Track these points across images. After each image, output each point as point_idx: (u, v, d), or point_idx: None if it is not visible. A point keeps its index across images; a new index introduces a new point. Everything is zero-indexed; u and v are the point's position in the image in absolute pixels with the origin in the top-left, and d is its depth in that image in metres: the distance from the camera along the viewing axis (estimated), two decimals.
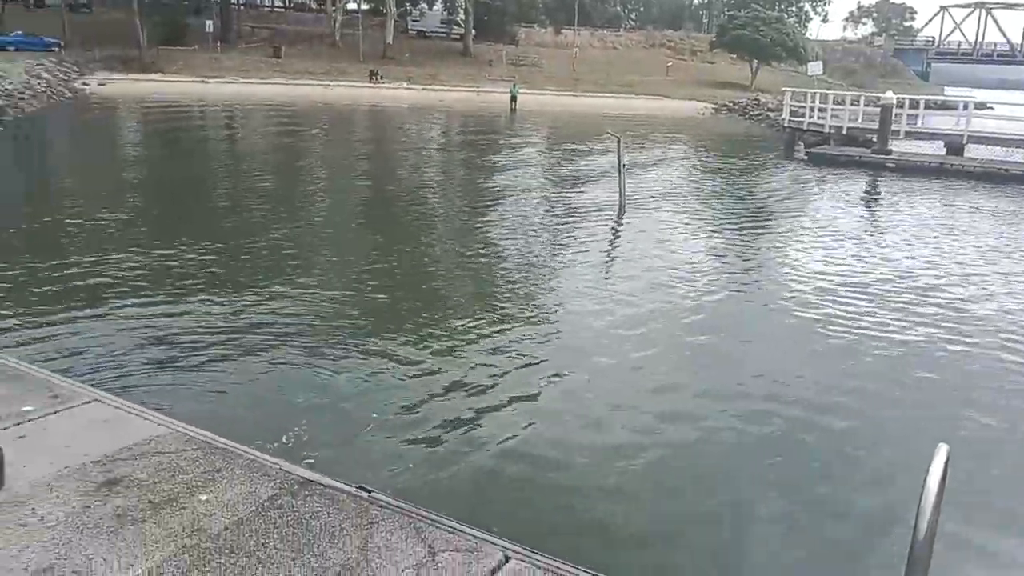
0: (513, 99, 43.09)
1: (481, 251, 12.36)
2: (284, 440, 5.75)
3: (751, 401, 7.09)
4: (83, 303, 8.59)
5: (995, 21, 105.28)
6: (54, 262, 10.04)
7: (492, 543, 3.32)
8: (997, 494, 5.77)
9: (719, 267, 12.02)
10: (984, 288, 11.41)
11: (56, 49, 46.80)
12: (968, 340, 8.99)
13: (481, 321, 8.77)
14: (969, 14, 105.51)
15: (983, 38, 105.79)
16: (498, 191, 17.99)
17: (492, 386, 7.03)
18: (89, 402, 4.34)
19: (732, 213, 16.91)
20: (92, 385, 4.61)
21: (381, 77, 50.24)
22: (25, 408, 4.17)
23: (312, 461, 5.08)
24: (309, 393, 6.67)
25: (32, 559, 2.93)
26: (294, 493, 3.54)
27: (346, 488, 3.68)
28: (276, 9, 69.31)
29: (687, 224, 15.21)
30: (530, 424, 6.38)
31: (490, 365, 7.51)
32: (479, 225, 14.32)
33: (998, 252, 13.96)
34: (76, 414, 4.19)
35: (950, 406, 7.29)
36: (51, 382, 4.60)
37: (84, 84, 40.86)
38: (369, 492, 3.68)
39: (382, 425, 6.22)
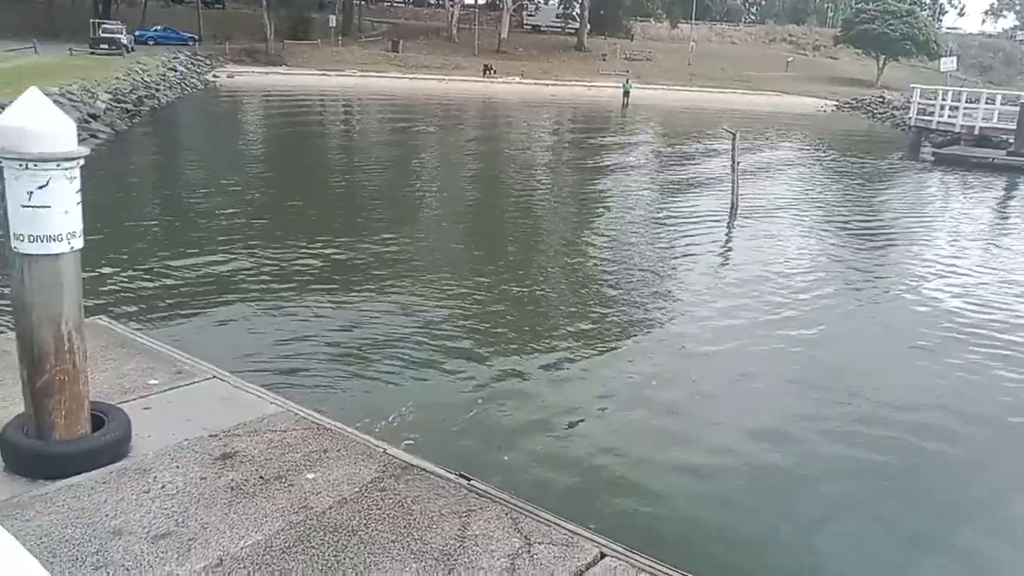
0: (626, 94, 42.69)
1: (586, 260, 12.12)
2: (390, 421, 5.89)
3: (860, 425, 6.77)
4: (213, 291, 9.04)
5: None
6: (191, 250, 10.58)
7: (589, 538, 3.30)
8: None
9: (834, 280, 11.25)
10: None
11: (191, 43, 49.46)
12: None
13: (585, 330, 8.68)
14: None
15: None
16: (607, 194, 17.77)
17: (592, 394, 6.96)
18: (210, 378, 4.57)
19: (851, 220, 16.03)
20: (214, 364, 4.85)
21: (495, 71, 50.73)
22: (152, 381, 4.42)
23: (413, 443, 5.19)
24: (415, 387, 6.80)
25: (153, 524, 3.11)
26: (396, 476, 3.63)
27: (447, 474, 3.74)
28: (395, 4, 71.00)
29: (801, 232, 14.46)
30: (632, 430, 6.32)
31: (590, 373, 7.44)
32: (587, 231, 14.17)
33: None
34: (197, 390, 4.41)
35: None
36: (176, 358, 4.86)
37: (215, 76, 43.03)
38: (469, 480, 3.73)
39: (487, 421, 6.29)
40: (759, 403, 6.99)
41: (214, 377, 4.60)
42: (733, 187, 15.41)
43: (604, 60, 58.13)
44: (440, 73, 49.44)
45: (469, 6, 65.77)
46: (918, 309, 10.02)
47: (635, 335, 8.58)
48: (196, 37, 50.38)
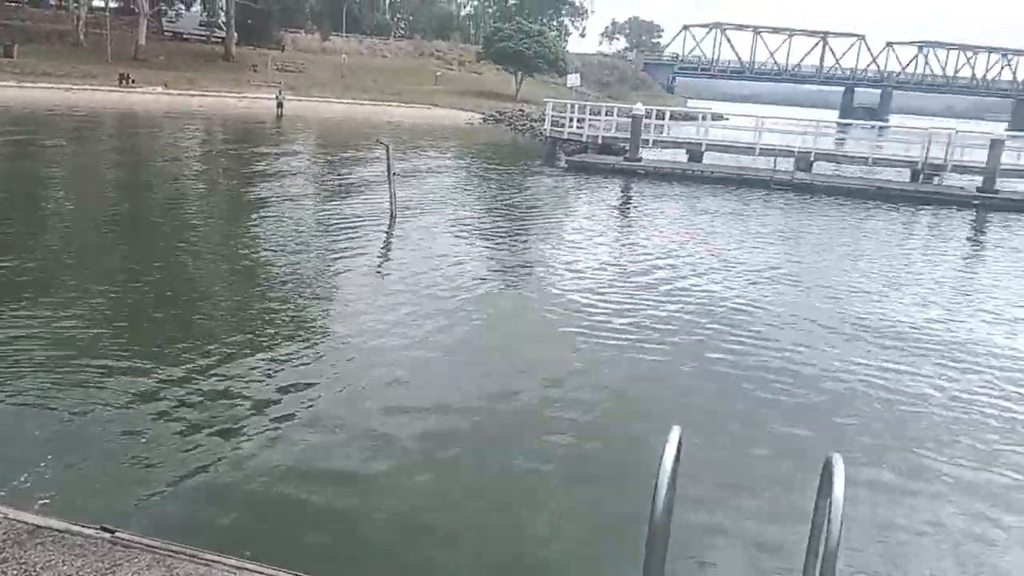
0: (280, 105, 41.80)
1: (245, 269, 11.91)
2: (20, 482, 5.24)
3: (527, 395, 7.43)
4: None
5: (728, 40, 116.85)
6: None
7: (256, 571, 3.24)
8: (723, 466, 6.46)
9: (486, 269, 12.52)
10: (712, 271, 12.72)
11: None
12: (689, 318, 9.99)
13: (245, 342, 8.46)
14: (707, 33, 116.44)
15: (719, 55, 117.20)
16: (264, 201, 17.41)
17: (255, 411, 6.81)
18: None
19: (498, 218, 17.57)
20: None
21: (133, 81, 46.74)
22: None
23: (48, 502, 4.67)
24: (48, 428, 6.11)
25: None
26: (22, 543, 3.25)
27: (86, 531, 3.43)
28: (8, 3, 62.39)
29: (456, 230, 15.59)
30: (300, 447, 6.27)
31: (252, 387, 7.28)
32: (246, 240, 13.78)
33: (730, 241, 15.59)
34: None
35: (683, 382, 8.06)
36: None
37: None
38: (112, 532, 3.46)
39: (136, 459, 5.83)
40: (427, 394, 7.32)
41: None
42: (390, 195, 15.91)
43: (255, 71, 56.35)
44: (67, 82, 44.36)
45: (98, 9, 59.85)
46: (556, 294, 11.16)
47: (299, 340, 8.54)
48: None
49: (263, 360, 7.92)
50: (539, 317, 10.24)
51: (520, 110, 54.08)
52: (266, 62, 57.91)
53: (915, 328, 10.87)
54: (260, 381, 7.41)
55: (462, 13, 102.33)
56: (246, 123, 37.67)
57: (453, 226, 16.02)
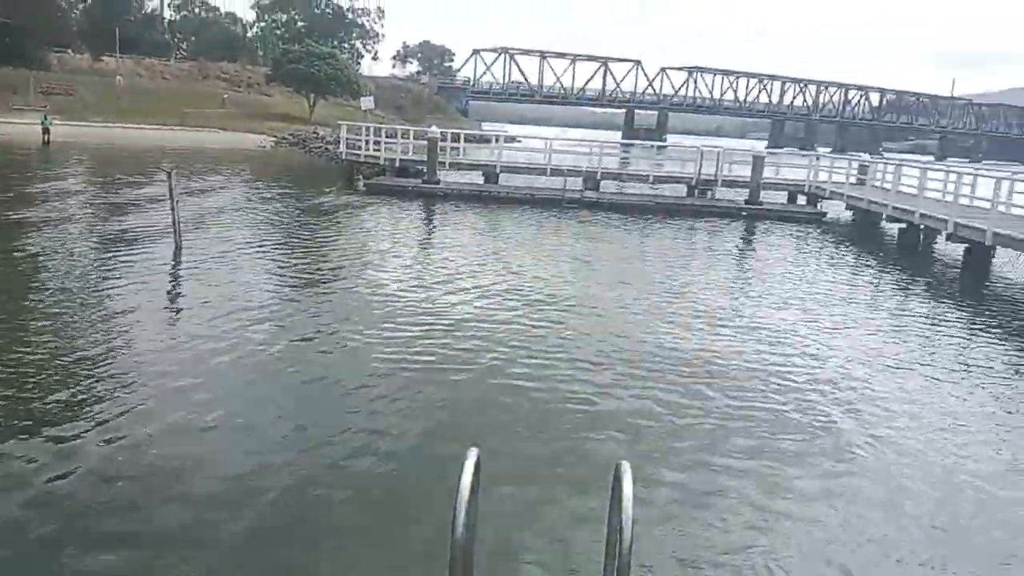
0: (46, 131, 38.29)
1: (15, 304, 10.75)
2: None
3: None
4: None
5: (516, 65, 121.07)
6: None
7: None
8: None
9: (275, 291, 12.07)
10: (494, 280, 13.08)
11: None
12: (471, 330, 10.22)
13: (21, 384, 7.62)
14: (496, 58, 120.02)
15: (509, 79, 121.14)
16: (24, 241, 15.82)
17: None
18: None
19: (295, 245, 17.02)
20: None
21: None
22: None
23: None
24: None
25: None
26: None
27: None
28: None
29: (247, 259, 14.94)
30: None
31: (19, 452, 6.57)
32: (16, 273, 12.48)
33: (528, 257, 16.08)
34: None
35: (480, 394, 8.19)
36: None
37: None
38: None
39: None
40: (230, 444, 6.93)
41: None
42: (174, 225, 15.02)
43: (15, 93, 51.34)
44: None
45: None
46: (377, 307, 10.98)
47: (80, 377, 7.82)
48: None
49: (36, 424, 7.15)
50: (339, 344, 10.02)
51: (315, 133, 52.99)
52: (28, 83, 52.93)
53: (705, 312, 11.73)
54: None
55: (248, 34, 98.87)
56: (8, 150, 34.18)
57: (244, 255, 15.35)
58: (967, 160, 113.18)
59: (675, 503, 6.37)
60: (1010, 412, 9.18)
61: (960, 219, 19.12)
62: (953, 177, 21.88)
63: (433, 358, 9.58)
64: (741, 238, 23.55)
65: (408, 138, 32.23)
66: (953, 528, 6.31)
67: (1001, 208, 18.91)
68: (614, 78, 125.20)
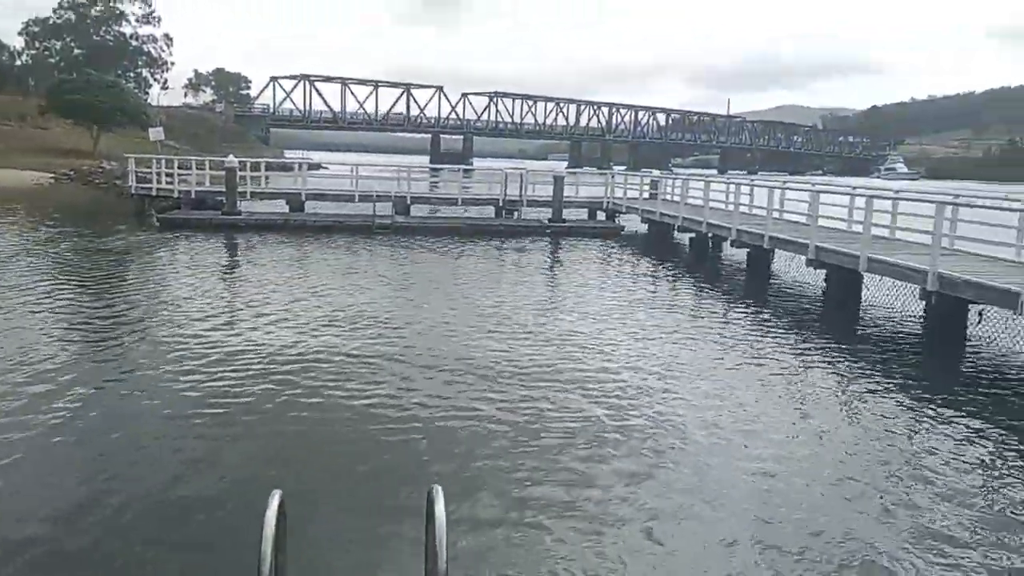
0: None
1: None
2: None
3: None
4: None
5: (318, 92, 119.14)
6: None
7: None
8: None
9: (63, 341, 11.05)
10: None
11: None
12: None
13: None
14: (296, 85, 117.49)
15: (311, 106, 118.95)
16: None
17: None
18: None
19: (78, 287, 15.70)
20: None
21: None
22: None
23: None
24: None
25: None
26: None
27: None
28: None
29: (27, 305, 13.61)
30: None
31: None
32: None
33: (340, 282, 15.75)
34: None
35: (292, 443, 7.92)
36: None
37: None
38: None
39: None
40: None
41: None
42: None
43: None
44: None
45: None
46: (178, 350, 10.28)
47: None
48: None
49: None
50: (139, 391, 9.33)
51: (100, 167, 49.31)
52: None
53: (520, 327, 11.96)
54: None
55: (17, 63, 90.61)
56: None
57: (26, 304, 13.97)
58: (745, 172, 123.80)
59: (496, 526, 6.41)
60: (797, 399, 10.03)
61: (741, 226, 20.80)
62: (733, 188, 23.78)
63: (248, 399, 9.13)
64: (548, 254, 24.35)
65: (204, 168, 30.78)
66: (760, 509, 6.77)
67: (776, 215, 20.74)
68: (417, 104, 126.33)
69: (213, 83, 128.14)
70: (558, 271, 21.33)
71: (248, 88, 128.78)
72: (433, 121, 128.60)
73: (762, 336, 13.56)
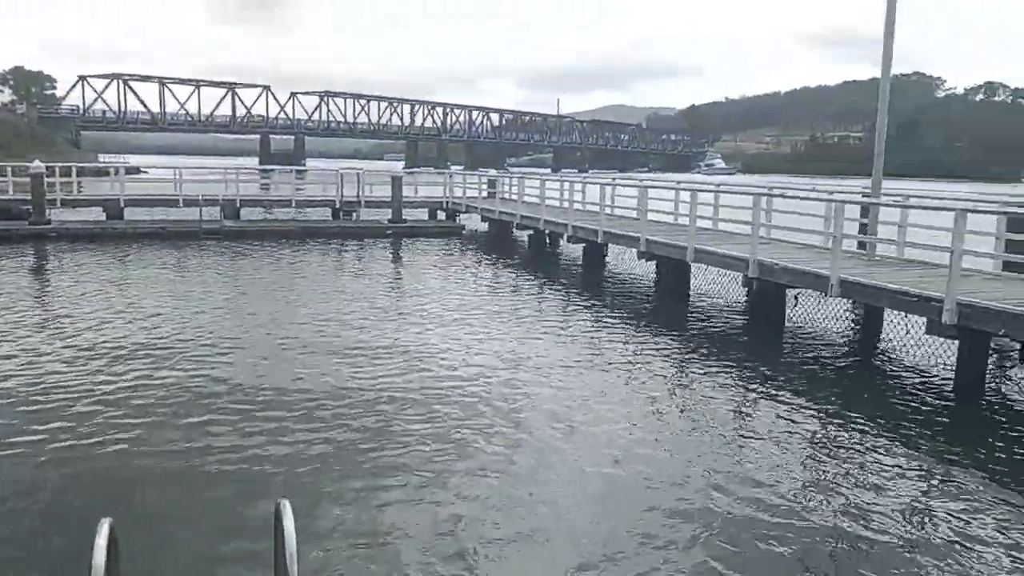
0: None
1: None
2: None
3: None
4: None
5: (134, 92, 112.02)
6: None
7: None
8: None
9: None
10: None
11: None
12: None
13: None
14: (108, 84, 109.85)
15: (126, 107, 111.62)
16: None
17: None
18: None
19: None
20: None
21: None
22: None
23: None
24: None
25: None
26: None
27: None
28: None
29: None
30: None
31: None
32: None
33: (165, 294, 14.83)
34: None
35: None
36: None
37: None
38: None
39: None
40: None
41: None
42: None
43: None
44: None
45: None
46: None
47: None
48: None
49: None
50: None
51: None
52: None
53: (366, 341, 11.68)
54: None
55: None
56: None
57: None
58: (576, 170, 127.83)
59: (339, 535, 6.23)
60: (636, 387, 10.40)
61: (576, 223, 21.39)
62: (567, 186, 24.42)
63: (57, 434, 8.39)
64: (390, 256, 24.06)
65: (5, 175, 28.17)
66: (606, 492, 6.95)
67: (608, 210, 21.47)
68: (244, 104, 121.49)
69: (11, 82, 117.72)
70: (402, 273, 21.09)
71: (54, 88, 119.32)
72: (261, 121, 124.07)
73: (600, 329, 14.00)
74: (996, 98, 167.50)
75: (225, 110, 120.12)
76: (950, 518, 6.60)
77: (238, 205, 29.00)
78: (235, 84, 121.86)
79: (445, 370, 10.82)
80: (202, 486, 7.02)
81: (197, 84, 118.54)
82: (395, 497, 6.77)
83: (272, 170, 59.20)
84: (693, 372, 11.22)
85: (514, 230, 26.68)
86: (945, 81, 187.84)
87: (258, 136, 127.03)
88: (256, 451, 7.75)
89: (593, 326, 14.23)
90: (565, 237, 22.08)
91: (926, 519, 6.64)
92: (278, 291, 17.28)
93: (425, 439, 8.12)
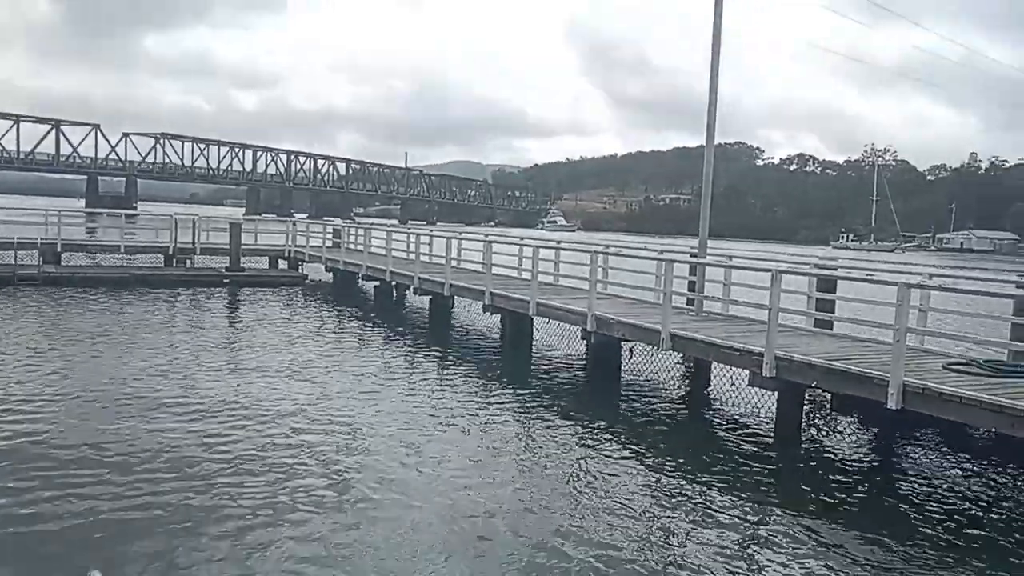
0: None
1: None
2: None
3: None
4: None
5: None
6: None
7: None
8: None
9: None
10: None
11: None
12: None
13: None
14: None
15: None
16: None
17: None
18: None
19: None
20: None
21: None
22: None
23: None
24: None
25: None
26: None
27: None
28: None
29: None
30: None
31: None
32: None
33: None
34: None
35: None
36: None
37: None
38: None
39: None
40: None
41: None
42: None
43: None
44: None
45: None
46: None
47: None
48: None
49: None
50: None
51: None
52: None
53: (199, 397, 11.10)
54: None
55: None
56: None
57: None
58: (424, 222, 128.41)
59: None
60: (479, 437, 10.49)
61: (423, 274, 21.45)
62: (414, 238, 24.48)
63: None
64: (226, 307, 23.12)
65: None
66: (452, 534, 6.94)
67: (454, 263, 21.67)
68: (70, 142, 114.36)
69: None
70: (239, 326, 20.21)
71: None
72: (89, 161, 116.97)
73: (444, 382, 14.04)
74: (807, 168, 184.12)
75: (48, 148, 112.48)
76: (763, 554, 7.07)
77: (59, 249, 27.09)
78: (61, 121, 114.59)
79: (278, 427, 10.45)
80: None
81: (17, 119, 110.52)
82: (209, 557, 6.47)
83: (99, 213, 55.81)
84: (533, 425, 11.44)
85: (360, 281, 26.38)
86: (763, 151, 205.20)
87: (86, 177, 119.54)
88: (63, 515, 7.19)
89: (437, 378, 14.26)
90: (412, 289, 22.04)
91: (742, 556, 7.08)
92: (98, 343, 16.04)
93: (244, 501, 7.78)
